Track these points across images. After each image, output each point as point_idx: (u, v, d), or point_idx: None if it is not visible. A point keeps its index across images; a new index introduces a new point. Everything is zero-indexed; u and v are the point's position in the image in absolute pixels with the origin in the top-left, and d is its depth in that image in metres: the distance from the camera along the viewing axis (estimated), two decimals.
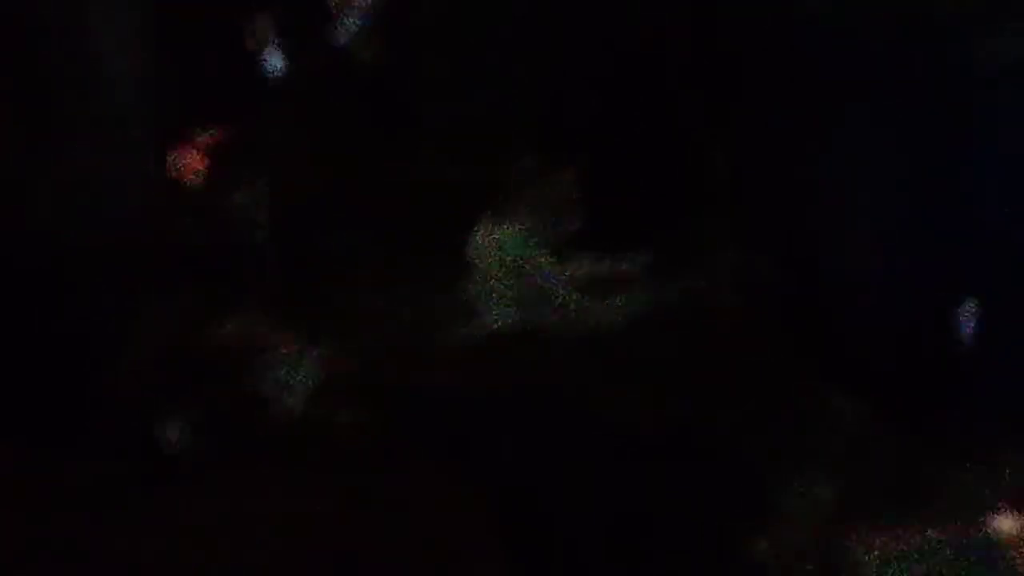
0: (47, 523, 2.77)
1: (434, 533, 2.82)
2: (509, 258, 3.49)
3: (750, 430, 3.09)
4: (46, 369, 3.13)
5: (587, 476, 3.00)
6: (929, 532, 2.72)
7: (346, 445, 3.14)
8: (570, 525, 2.87)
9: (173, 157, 3.60)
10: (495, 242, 3.50)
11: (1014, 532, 2.67)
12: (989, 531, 2.70)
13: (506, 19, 3.72)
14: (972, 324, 2.90)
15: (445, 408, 3.23)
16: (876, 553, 2.70)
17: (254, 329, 3.35)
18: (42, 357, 3.15)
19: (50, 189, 3.32)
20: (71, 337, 3.21)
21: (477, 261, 3.49)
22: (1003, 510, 2.74)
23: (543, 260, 3.50)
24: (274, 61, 4.02)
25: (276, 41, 4.04)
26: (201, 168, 3.57)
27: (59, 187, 3.34)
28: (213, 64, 3.73)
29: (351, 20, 4.06)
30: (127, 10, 3.46)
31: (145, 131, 3.52)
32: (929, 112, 2.80)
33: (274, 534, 2.78)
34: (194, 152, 3.58)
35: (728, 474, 2.99)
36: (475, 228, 3.51)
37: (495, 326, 3.44)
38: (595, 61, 3.69)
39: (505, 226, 3.50)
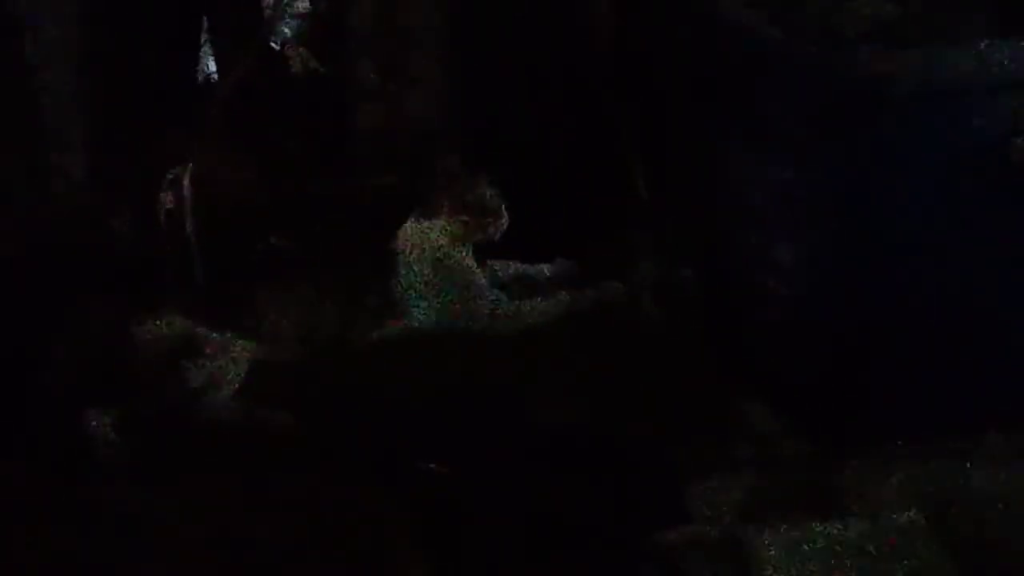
0: None
1: (355, 533, 2.84)
2: (434, 258, 3.55)
3: (664, 432, 3.16)
4: None
5: (505, 473, 3.05)
6: (828, 526, 2.81)
7: (271, 443, 3.18)
8: (489, 523, 2.92)
9: (103, 161, 3.64)
10: (420, 242, 3.56)
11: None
12: (884, 524, 2.80)
13: (436, 27, 3.79)
14: (874, 334, 2.99)
15: (370, 405, 3.28)
16: (779, 546, 2.78)
17: (180, 329, 3.39)
18: None
19: None
20: None
21: (403, 261, 3.55)
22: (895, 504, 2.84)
23: (467, 260, 3.57)
24: (207, 65, 4.08)
25: (210, 46, 4.10)
26: (131, 171, 3.61)
27: None
28: (146, 69, 3.77)
29: (284, 26, 4.11)
30: (59, 17, 3.50)
31: (75, 136, 3.55)
32: (837, 128, 2.87)
33: (193, 533, 2.80)
34: (124, 156, 3.62)
35: (643, 474, 3.06)
36: (401, 229, 3.57)
37: (419, 325, 3.51)
38: (522, 70, 3.77)
39: (430, 227, 3.57)
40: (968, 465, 2.98)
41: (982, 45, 2.82)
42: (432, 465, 3.04)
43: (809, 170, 2.96)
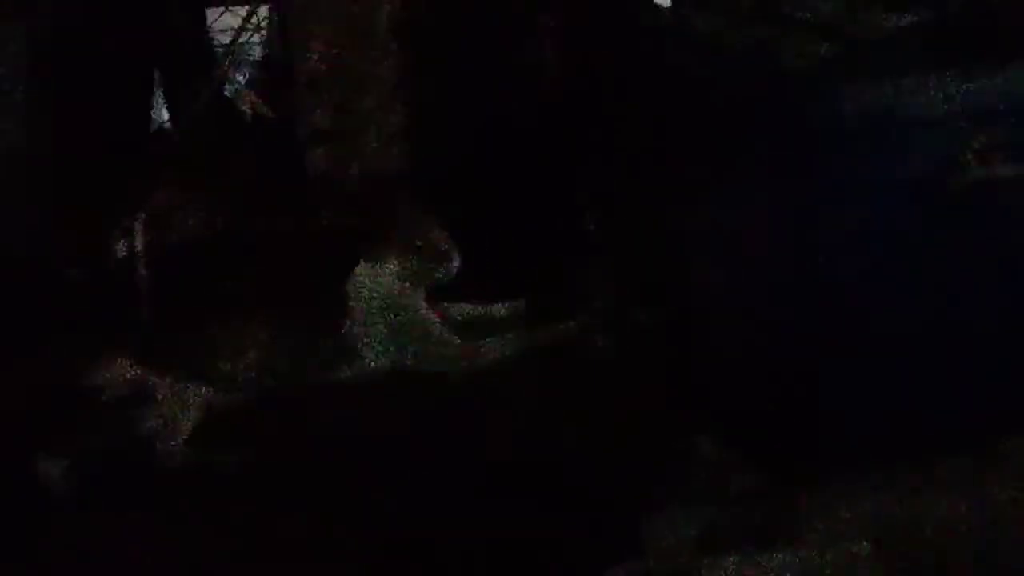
0: None
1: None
2: (386, 299, 3.57)
3: (618, 467, 3.17)
4: None
5: (461, 512, 3.05)
6: (784, 555, 2.82)
7: (226, 487, 3.17)
8: (444, 558, 2.93)
9: (55, 208, 3.65)
10: (372, 284, 3.58)
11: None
12: (835, 554, 2.81)
13: (387, 71, 3.82)
14: (825, 366, 3.02)
15: (324, 447, 3.28)
16: None
17: (135, 370, 3.39)
18: None
19: None
20: None
21: (355, 303, 3.57)
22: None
23: (419, 302, 3.58)
24: (159, 111, 4.10)
25: (163, 93, 4.12)
26: (80, 216, 3.62)
27: None
28: (99, 117, 3.79)
29: (238, 73, 4.15)
30: (6, 63, 3.52)
31: (25, 179, 3.56)
32: (790, 161, 2.91)
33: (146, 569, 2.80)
34: (77, 203, 3.63)
35: (597, 508, 3.07)
36: (354, 271, 3.59)
37: (372, 366, 3.52)
38: (472, 111, 3.80)
39: (382, 269, 3.59)
40: (916, 494, 3.00)
41: (922, 81, 2.88)
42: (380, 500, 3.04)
43: (759, 203, 3.00)
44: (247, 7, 4.25)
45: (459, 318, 3.64)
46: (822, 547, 2.86)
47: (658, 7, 3.66)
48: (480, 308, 3.67)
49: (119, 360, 3.42)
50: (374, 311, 3.58)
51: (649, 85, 3.37)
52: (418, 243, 3.61)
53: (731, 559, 2.87)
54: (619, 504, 3.08)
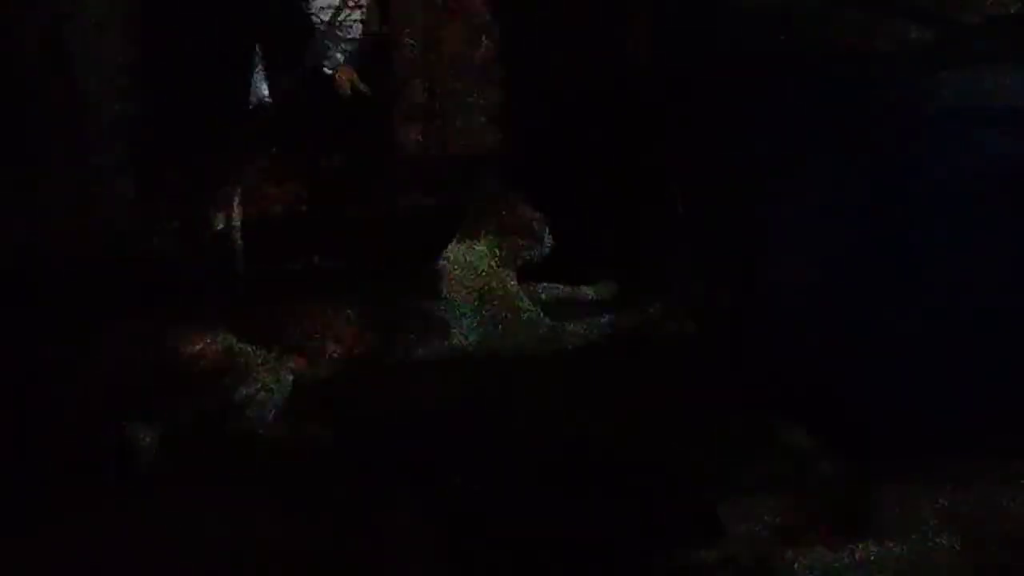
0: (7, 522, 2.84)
1: (390, 554, 2.86)
2: (476, 278, 3.60)
3: (700, 452, 3.16)
4: (13, 377, 3.22)
5: (543, 494, 3.07)
6: (866, 546, 2.79)
7: (312, 460, 3.21)
8: (525, 541, 2.94)
9: (150, 178, 3.72)
10: (464, 263, 3.61)
11: None
12: (919, 547, 2.78)
13: (483, 52, 3.85)
14: (913, 354, 2.98)
15: (410, 425, 3.31)
16: (816, 566, 2.77)
17: (225, 344, 3.45)
18: (9, 366, 3.24)
19: (26, 206, 3.44)
20: (40, 347, 3.31)
21: (446, 281, 3.60)
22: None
23: (509, 282, 3.61)
24: (259, 86, 4.15)
25: (262, 67, 4.17)
26: (178, 189, 3.68)
27: (35, 205, 3.46)
28: (197, 90, 3.85)
29: (335, 50, 4.18)
30: (109, 34, 3.59)
31: (123, 153, 3.64)
32: (870, 151, 2.87)
33: (232, 548, 2.83)
34: (172, 174, 3.70)
35: (679, 493, 3.06)
36: (445, 250, 3.62)
37: (461, 344, 3.55)
38: (565, 95, 3.81)
39: (473, 248, 3.62)
40: (1007, 490, 2.95)
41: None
42: (461, 478, 3.06)
43: (840, 189, 2.97)
44: None
45: (547, 298, 3.66)
46: (902, 540, 2.83)
47: None
48: (569, 289, 3.68)
49: (212, 331, 3.47)
50: (464, 289, 3.60)
51: (737, 70, 3.34)
52: (509, 224, 3.62)
53: (810, 548, 2.85)
54: (699, 489, 3.07)
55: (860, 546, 2.84)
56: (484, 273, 3.62)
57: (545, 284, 3.65)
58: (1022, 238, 2.87)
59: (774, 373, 3.30)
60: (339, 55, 4.17)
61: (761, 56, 3.16)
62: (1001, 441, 2.97)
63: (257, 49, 4.15)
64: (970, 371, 2.94)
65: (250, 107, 4.06)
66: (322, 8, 4.18)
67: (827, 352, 3.16)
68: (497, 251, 3.64)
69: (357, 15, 4.23)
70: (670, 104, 3.68)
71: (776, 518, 2.97)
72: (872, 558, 2.81)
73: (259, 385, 3.37)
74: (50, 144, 3.52)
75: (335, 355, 3.52)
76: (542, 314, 3.61)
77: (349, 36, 4.22)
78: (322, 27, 4.16)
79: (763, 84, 3.17)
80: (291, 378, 3.42)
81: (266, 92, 4.13)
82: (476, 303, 3.61)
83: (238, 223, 3.61)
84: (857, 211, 2.98)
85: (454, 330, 3.59)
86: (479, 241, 3.65)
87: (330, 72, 4.15)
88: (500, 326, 3.58)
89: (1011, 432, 2.97)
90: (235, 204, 3.61)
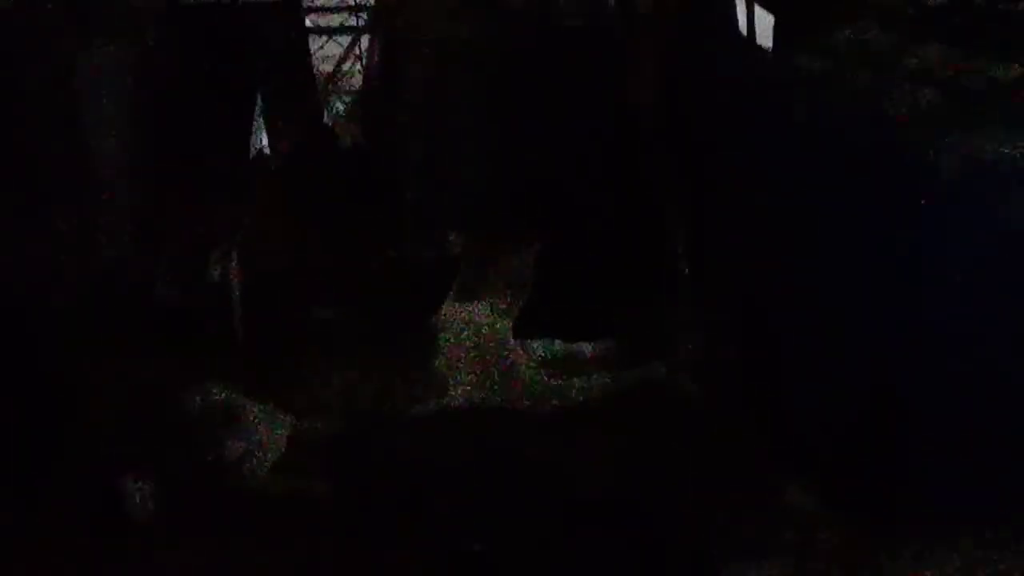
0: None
1: None
2: (475, 334, 3.58)
3: (703, 513, 3.13)
4: (11, 418, 3.18)
5: (543, 551, 3.03)
6: None
7: (309, 514, 3.18)
8: None
9: (153, 227, 3.70)
10: (462, 318, 3.59)
11: None
12: None
13: (479, 107, 3.84)
14: (919, 412, 2.96)
15: (408, 478, 3.28)
16: None
17: (224, 393, 3.41)
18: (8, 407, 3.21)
19: (30, 252, 3.42)
20: (38, 390, 3.27)
21: (444, 336, 3.58)
22: None
23: (507, 337, 3.58)
24: (260, 138, 4.15)
25: (263, 119, 4.17)
26: (181, 238, 3.66)
27: (39, 250, 3.44)
28: (199, 140, 3.84)
29: (337, 102, 4.19)
30: (114, 85, 3.58)
31: (126, 202, 3.62)
32: (892, 205, 2.86)
33: None
34: (175, 224, 3.68)
35: (680, 553, 3.03)
36: (444, 305, 3.60)
37: (459, 400, 3.52)
38: (565, 148, 3.80)
39: (472, 303, 3.60)
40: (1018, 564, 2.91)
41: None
42: (473, 545, 3.03)
43: (855, 248, 2.95)
44: (350, 36, 4.29)
45: (546, 355, 3.63)
46: None
47: (761, 48, 3.64)
48: (568, 345, 3.65)
49: (209, 383, 3.44)
50: (462, 345, 3.58)
51: (746, 125, 3.33)
52: (509, 277, 3.61)
53: None
54: (702, 551, 3.04)
55: None
56: (482, 328, 3.60)
57: (543, 340, 3.62)
58: None
59: (780, 433, 3.27)
60: (340, 107, 4.18)
61: (768, 117, 3.15)
62: (1014, 516, 2.94)
63: (258, 100, 4.15)
64: (985, 443, 2.91)
65: (250, 158, 4.05)
66: (323, 59, 4.19)
67: (836, 412, 3.13)
68: (496, 306, 3.62)
69: (358, 67, 4.24)
70: (675, 160, 3.68)
71: None
72: None
73: (257, 438, 3.34)
74: (53, 192, 3.51)
75: (333, 408, 3.49)
76: (541, 371, 3.58)
77: (350, 88, 4.22)
78: (323, 78, 4.17)
79: (770, 145, 3.17)
80: (288, 432, 3.39)
81: (266, 143, 4.13)
82: (474, 359, 3.58)
83: (236, 274, 3.58)
84: (870, 274, 2.96)
85: (451, 386, 3.56)
86: (477, 296, 3.63)
87: (330, 124, 4.15)
88: (498, 383, 3.55)
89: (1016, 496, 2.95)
90: (233, 254, 3.58)
